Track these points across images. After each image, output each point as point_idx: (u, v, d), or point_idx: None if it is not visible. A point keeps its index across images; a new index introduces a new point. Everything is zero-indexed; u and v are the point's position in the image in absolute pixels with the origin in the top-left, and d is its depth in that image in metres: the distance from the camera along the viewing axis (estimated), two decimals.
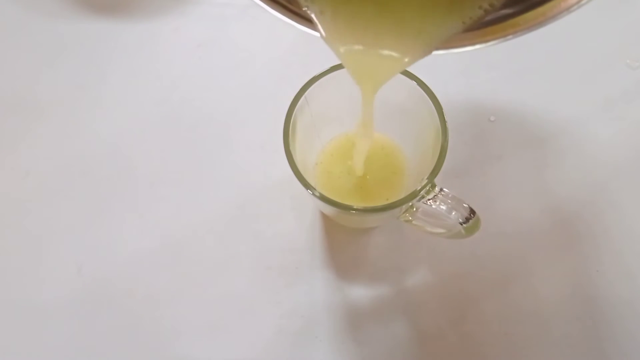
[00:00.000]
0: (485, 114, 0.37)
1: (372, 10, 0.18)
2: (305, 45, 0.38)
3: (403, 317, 0.33)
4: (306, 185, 0.25)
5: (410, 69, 0.24)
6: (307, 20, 0.18)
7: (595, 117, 0.37)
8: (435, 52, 0.18)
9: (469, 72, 0.38)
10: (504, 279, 0.33)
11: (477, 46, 0.17)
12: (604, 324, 0.32)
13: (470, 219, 0.26)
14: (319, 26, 0.18)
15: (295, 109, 0.26)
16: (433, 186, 0.26)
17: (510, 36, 0.17)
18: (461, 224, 0.27)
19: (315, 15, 0.18)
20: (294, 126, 0.26)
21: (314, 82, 0.26)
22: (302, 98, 0.26)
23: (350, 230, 0.35)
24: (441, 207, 0.27)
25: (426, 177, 0.25)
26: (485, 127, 0.37)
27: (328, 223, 0.35)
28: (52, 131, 0.38)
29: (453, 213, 0.26)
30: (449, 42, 0.18)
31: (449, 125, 0.25)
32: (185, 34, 0.40)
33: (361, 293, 0.33)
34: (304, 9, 0.18)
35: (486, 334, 0.32)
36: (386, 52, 0.19)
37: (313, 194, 0.25)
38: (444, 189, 0.27)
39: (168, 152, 0.37)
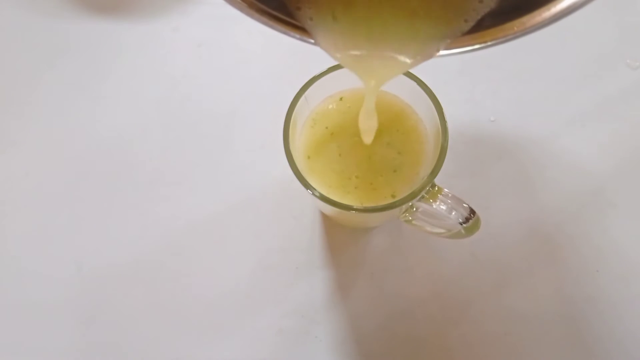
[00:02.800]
0: (485, 114, 0.37)
1: (376, 18, 0.18)
2: (305, 45, 0.38)
3: (403, 317, 0.33)
4: (306, 185, 0.25)
5: (411, 69, 0.24)
6: (301, 30, 0.19)
7: (596, 117, 0.37)
8: (440, 53, 0.18)
9: (469, 72, 0.38)
10: (504, 279, 0.33)
11: (476, 46, 0.18)
12: (603, 324, 0.32)
13: (470, 219, 0.26)
14: (317, 36, 0.18)
15: (295, 109, 0.26)
16: (433, 186, 0.26)
17: (511, 36, 0.17)
18: (461, 224, 0.27)
19: (313, 26, 0.18)
20: (294, 126, 0.26)
21: (314, 82, 0.26)
22: (302, 98, 0.26)
23: (350, 230, 0.35)
24: (441, 207, 0.27)
25: (426, 177, 0.25)
26: (485, 127, 0.37)
27: (328, 223, 0.35)
28: (52, 131, 0.38)
29: (453, 213, 0.26)
30: (449, 44, 0.18)
31: (449, 125, 0.25)
32: (185, 34, 0.40)
33: (361, 293, 0.33)
34: (305, 20, 0.18)
35: (486, 334, 0.32)
36: (391, 56, 0.19)
37: (313, 194, 0.25)
38: (444, 189, 0.27)
39: (168, 152, 0.37)
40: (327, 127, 0.29)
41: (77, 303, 0.34)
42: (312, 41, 0.19)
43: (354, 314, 0.33)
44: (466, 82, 0.38)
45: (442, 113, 0.26)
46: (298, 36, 0.19)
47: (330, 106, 0.30)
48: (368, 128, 0.26)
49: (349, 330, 0.33)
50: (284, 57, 0.39)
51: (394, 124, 0.29)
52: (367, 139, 0.27)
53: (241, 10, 0.17)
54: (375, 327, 0.33)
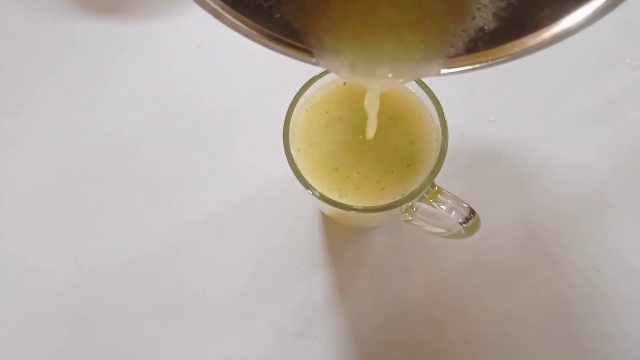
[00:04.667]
0: (485, 114, 0.37)
1: (378, 43, 0.19)
2: None
3: (403, 317, 0.33)
4: (306, 185, 0.25)
5: None
6: (302, 50, 0.19)
7: (596, 117, 0.37)
8: (442, 72, 0.19)
9: (469, 72, 0.38)
10: (504, 278, 0.33)
11: (477, 65, 0.18)
12: (603, 323, 0.32)
13: (470, 219, 0.26)
14: (323, 62, 0.19)
15: (295, 109, 0.26)
16: (433, 186, 0.26)
17: (512, 56, 0.17)
18: (461, 223, 0.27)
19: (323, 54, 0.19)
20: (294, 126, 0.26)
21: (314, 82, 0.26)
22: (302, 98, 0.26)
23: (350, 230, 0.35)
24: (441, 207, 0.27)
25: (426, 177, 0.25)
26: (485, 127, 0.37)
27: (328, 223, 0.35)
28: (52, 131, 0.38)
29: (453, 213, 0.26)
30: (452, 63, 0.19)
31: (449, 125, 0.25)
32: (185, 34, 0.40)
33: (361, 293, 0.33)
34: (314, 50, 0.19)
35: (485, 334, 0.32)
36: (391, 74, 0.20)
37: (313, 194, 0.25)
38: (444, 189, 0.27)
39: (168, 152, 0.37)
40: (327, 112, 0.27)
41: (77, 303, 0.34)
42: (314, 61, 0.19)
43: (354, 314, 0.33)
44: (466, 82, 0.38)
45: (442, 113, 0.26)
46: (299, 57, 0.19)
47: (332, 90, 0.28)
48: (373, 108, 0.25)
49: (348, 330, 0.33)
50: (283, 57, 0.39)
51: (398, 111, 0.27)
52: (372, 128, 0.25)
53: (242, 33, 0.18)
54: (375, 327, 0.33)
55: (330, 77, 0.27)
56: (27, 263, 0.35)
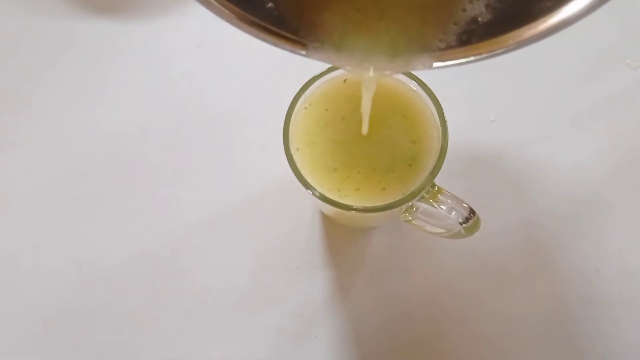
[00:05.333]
0: (485, 114, 0.37)
1: (371, 35, 0.19)
2: None
3: (403, 317, 0.33)
4: (306, 185, 0.25)
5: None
6: (292, 41, 0.19)
7: (595, 117, 0.37)
8: (435, 65, 0.18)
9: (469, 72, 0.38)
10: (504, 279, 0.33)
11: (471, 58, 0.17)
12: (603, 324, 0.32)
13: (470, 219, 0.26)
14: (315, 53, 0.19)
15: (295, 109, 0.26)
16: (433, 186, 0.26)
17: (506, 48, 0.17)
18: (461, 223, 0.27)
19: (313, 46, 0.19)
20: (294, 126, 0.26)
21: (314, 82, 0.26)
22: (302, 98, 0.26)
23: (350, 230, 0.35)
24: (441, 207, 0.27)
25: (426, 177, 0.25)
26: (485, 127, 0.37)
27: (328, 223, 0.35)
28: (53, 131, 0.38)
29: (453, 213, 0.26)
30: (445, 56, 0.18)
31: (449, 125, 0.25)
32: (185, 34, 0.40)
33: (361, 293, 0.33)
34: (313, 44, 0.19)
35: (486, 334, 0.32)
36: (385, 68, 0.20)
37: (313, 194, 0.25)
38: (444, 189, 0.27)
39: (168, 152, 0.37)
40: (327, 110, 0.27)
41: (77, 303, 0.34)
42: (304, 53, 0.19)
43: (354, 314, 0.33)
44: (466, 82, 0.38)
45: (442, 113, 0.26)
46: (289, 48, 0.19)
47: (331, 88, 0.27)
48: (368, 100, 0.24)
49: (348, 330, 0.33)
50: (284, 57, 0.39)
51: (399, 109, 0.27)
52: (366, 114, 0.25)
53: (230, 22, 0.18)
54: (375, 327, 0.33)
55: (330, 74, 0.27)
56: (27, 263, 0.35)
